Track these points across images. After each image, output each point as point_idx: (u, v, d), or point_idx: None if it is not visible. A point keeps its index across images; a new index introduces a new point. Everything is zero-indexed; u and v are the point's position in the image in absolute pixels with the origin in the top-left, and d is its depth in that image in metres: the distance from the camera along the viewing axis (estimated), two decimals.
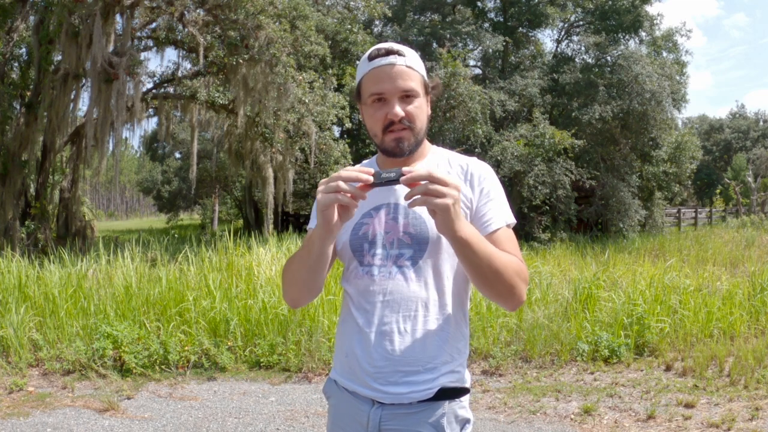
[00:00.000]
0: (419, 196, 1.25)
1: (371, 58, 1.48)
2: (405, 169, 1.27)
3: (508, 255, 1.42)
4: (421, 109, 1.49)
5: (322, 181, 1.31)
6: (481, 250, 1.33)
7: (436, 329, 1.46)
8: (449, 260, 1.47)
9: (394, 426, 1.46)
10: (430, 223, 1.44)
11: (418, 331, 1.45)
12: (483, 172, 1.54)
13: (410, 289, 1.45)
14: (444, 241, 1.44)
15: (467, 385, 1.53)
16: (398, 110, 1.45)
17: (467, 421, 1.51)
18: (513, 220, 1.52)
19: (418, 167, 1.33)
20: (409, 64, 1.48)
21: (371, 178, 1.27)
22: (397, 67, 1.46)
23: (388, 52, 1.47)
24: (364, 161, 1.66)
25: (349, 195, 1.28)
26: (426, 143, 1.58)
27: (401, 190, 1.49)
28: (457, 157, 1.59)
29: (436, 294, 1.47)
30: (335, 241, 1.50)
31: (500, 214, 1.49)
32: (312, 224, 1.56)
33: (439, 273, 1.47)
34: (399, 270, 1.46)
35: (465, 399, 1.51)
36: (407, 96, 1.47)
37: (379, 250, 1.48)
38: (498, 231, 1.47)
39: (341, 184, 1.28)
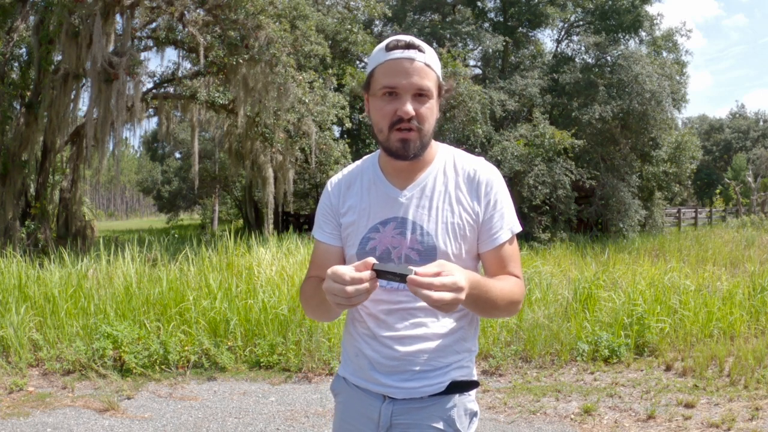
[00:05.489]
0: (427, 297, 1.19)
1: (389, 48, 1.39)
2: (410, 277, 1.18)
3: (509, 285, 1.42)
4: (431, 111, 1.41)
5: (329, 275, 1.24)
6: (484, 300, 1.34)
7: (446, 333, 1.47)
8: None
9: (405, 420, 1.47)
10: (439, 238, 1.44)
11: (428, 336, 1.46)
12: (490, 179, 1.49)
13: (419, 301, 1.42)
14: (452, 253, 1.44)
15: (476, 378, 1.56)
16: (409, 108, 1.37)
17: (475, 414, 1.54)
18: (518, 228, 1.51)
19: (424, 271, 1.20)
20: (428, 62, 1.40)
21: (375, 284, 1.24)
22: (416, 63, 1.38)
23: (409, 46, 1.39)
24: (365, 157, 1.60)
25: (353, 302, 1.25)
26: (433, 144, 1.51)
27: (410, 204, 1.47)
28: (465, 159, 1.53)
29: None
30: (343, 254, 1.54)
31: (507, 224, 1.48)
32: (315, 232, 1.58)
33: None
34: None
35: (473, 392, 1.54)
36: (421, 95, 1.39)
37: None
38: (504, 246, 1.47)
39: (346, 298, 1.22)
